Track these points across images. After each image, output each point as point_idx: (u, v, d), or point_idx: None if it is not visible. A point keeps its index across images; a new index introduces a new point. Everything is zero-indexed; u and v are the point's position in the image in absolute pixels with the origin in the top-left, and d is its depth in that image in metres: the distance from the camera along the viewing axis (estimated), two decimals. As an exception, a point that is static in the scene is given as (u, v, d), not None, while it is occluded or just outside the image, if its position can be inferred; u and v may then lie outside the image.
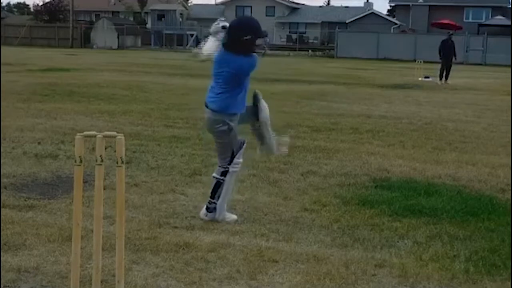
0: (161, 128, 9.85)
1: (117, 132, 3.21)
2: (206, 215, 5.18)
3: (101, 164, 3.11)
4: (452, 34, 24.43)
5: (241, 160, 5.17)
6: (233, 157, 5.12)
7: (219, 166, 5.20)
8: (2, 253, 4.15)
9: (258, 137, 5.34)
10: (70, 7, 53.63)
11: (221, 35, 4.98)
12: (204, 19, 62.89)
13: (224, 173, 5.15)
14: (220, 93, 4.95)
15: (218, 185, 5.16)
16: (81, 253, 3.30)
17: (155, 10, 59.45)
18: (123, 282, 3.23)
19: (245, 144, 5.18)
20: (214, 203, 5.15)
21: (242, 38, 4.86)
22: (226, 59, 4.93)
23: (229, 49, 4.92)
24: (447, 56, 23.20)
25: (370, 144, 9.05)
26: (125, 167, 3.25)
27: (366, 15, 59.67)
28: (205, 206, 5.21)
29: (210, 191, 5.22)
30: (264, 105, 5.20)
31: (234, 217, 5.21)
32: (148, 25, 61.39)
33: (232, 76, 4.91)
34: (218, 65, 4.97)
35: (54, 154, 7.54)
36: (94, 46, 52.36)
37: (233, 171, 5.17)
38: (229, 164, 5.13)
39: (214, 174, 5.25)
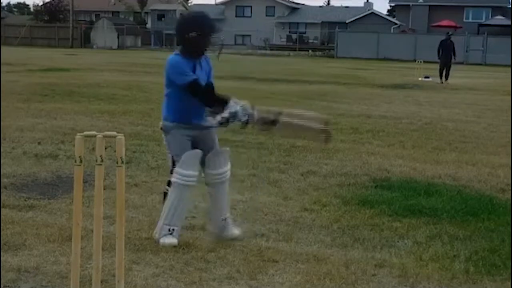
0: (161, 128, 9.83)
1: (117, 132, 3.21)
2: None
3: (101, 164, 3.11)
4: (451, 34, 24.47)
5: (188, 172, 4.37)
6: (173, 165, 4.48)
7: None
8: (2, 253, 4.15)
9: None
10: (70, 7, 53.64)
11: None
12: (204, 19, 62.94)
13: (169, 183, 4.57)
14: None
15: (164, 197, 4.63)
16: (81, 253, 3.30)
17: (155, 10, 59.48)
18: (123, 282, 3.23)
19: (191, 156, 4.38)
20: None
21: (185, 35, 4.35)
22: None
23: (181, 53, 4.43)
24: (446, 56, 23.25)
25: (370, 144, 9.05)
26: (125, 167, 3.25)
27: (366, 15, 59.66)
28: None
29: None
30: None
31: (174, 241, 4.42)
32: (148, 25, 61.37)
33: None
34: None
35: (54, 154, 7.54)
36: (94, 46, 52.37)
37: (176, 183, 4.42)
38: (171, 173, 4.53)
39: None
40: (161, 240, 4.44)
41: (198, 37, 4.33)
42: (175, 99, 4.42)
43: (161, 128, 4.56)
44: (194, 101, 4.36)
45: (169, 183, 4.57)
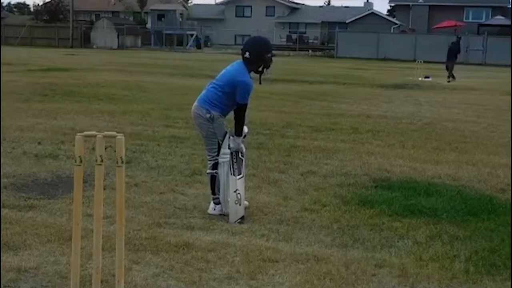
0: (161, 128, 9.85)
1: (117, 132, 3.21)
2: (214, 209, 5.35)
3: (101, 164, 3.11)
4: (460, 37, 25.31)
5: (226, 150, 5.23)
6: (219, 147, 5.25)
7: (209, 160, 5.35)
8: (2, 253, 4.16)
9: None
10: (70, 7, 53.59)
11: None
12: (204, 19, 62.89)
13: (215, 166, 5.29)
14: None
15: (213, 179, 5.33)
16: (81, 253, 3.30)
17: (155, 10, 59.40)
18: (123, 282, 3.23)
19: (228, 134, 5.25)
20: (218, 197, 5.33)
21: (265, 55, 5.16)
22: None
23: (247, 64, 5.16)
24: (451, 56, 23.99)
25: (370, 144, 9.05)
26: (125, 167, 3.25)
27: (366, 15, 59.60)
28: (211, 202, 5.39)
29: (209, 188, 5.41)
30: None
31: (245, 203, 5.35)
32: (148, 25, 61.32)
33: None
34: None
35: (54, 154, 7.54)
36: (94, 46, 52.33)
37: (223, 162, 5.25)
38: (217, 156, 5.27)
39: (207, 171, 5.41)
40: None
41: (270, 58, 5.21)
42: (227, 99, 5.17)
43: (210, 117, 5.18)
44: (233, 104, 5.19)
45: (214, 166, 5.28)
